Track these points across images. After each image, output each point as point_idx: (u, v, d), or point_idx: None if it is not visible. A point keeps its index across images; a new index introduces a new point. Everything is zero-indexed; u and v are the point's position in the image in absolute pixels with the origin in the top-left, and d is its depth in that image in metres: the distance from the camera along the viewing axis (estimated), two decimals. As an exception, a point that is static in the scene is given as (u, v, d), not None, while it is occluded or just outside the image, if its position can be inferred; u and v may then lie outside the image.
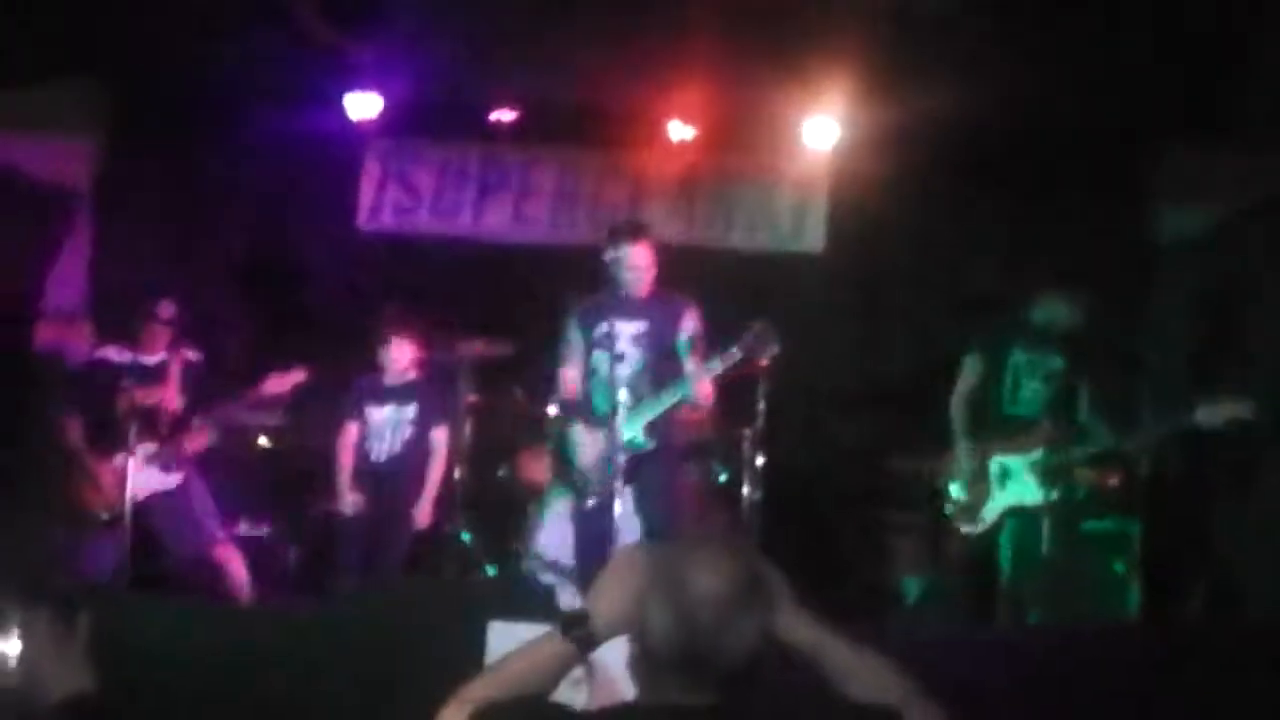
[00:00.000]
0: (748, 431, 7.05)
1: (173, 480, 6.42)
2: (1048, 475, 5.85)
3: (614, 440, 5.46)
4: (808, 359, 7.25)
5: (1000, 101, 7.16)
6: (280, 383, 6.50)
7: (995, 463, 5.97)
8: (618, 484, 5.38)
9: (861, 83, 7.34)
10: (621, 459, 5.39)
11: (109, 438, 6.25)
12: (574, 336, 5.89)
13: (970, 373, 6.13)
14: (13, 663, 2.11)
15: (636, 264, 5.74)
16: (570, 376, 5.88)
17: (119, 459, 6.18)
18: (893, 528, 7.14)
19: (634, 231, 5.86)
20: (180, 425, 6.46)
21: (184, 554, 6.38)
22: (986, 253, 7.96)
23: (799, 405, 7.91)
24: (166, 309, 6.53)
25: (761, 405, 6.97)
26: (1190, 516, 7.05)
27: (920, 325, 7.54)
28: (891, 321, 8.01)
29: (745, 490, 7.11)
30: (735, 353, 5.45)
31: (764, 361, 5.63)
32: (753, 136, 8.24)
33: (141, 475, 6.26)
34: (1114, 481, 7.03)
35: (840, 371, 8.31)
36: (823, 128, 8.02)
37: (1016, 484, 5.93)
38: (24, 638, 2.13)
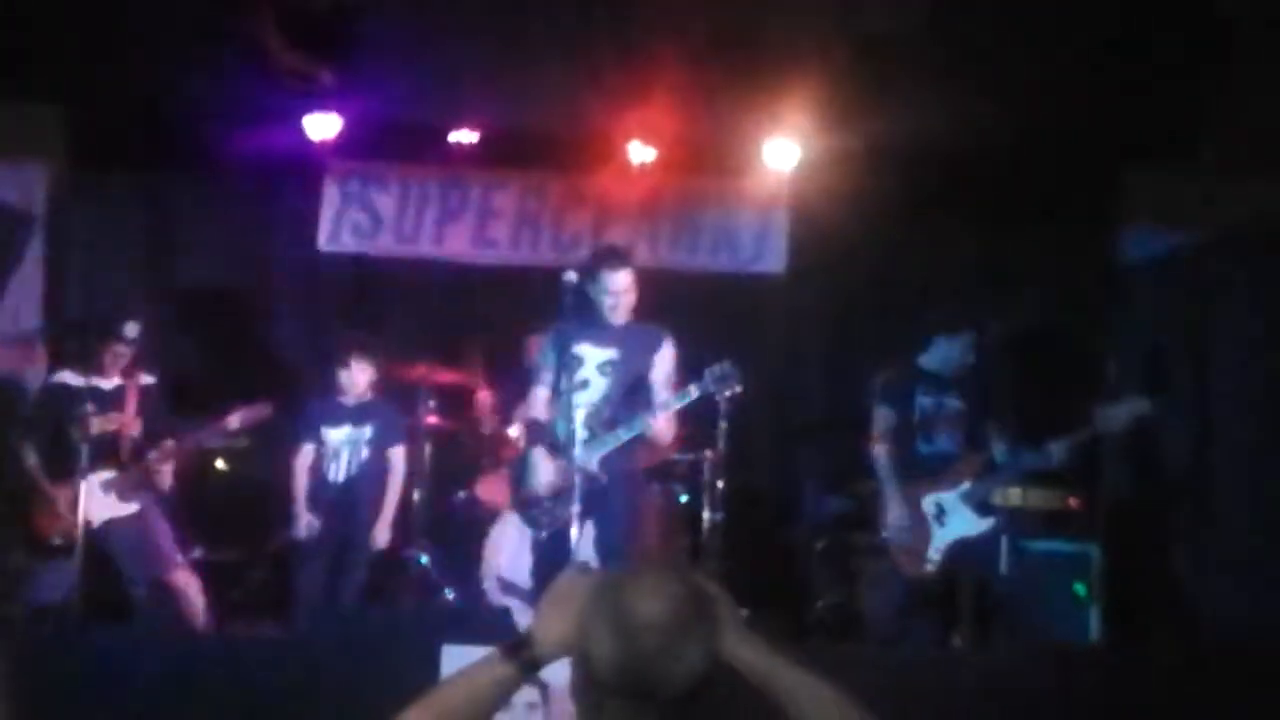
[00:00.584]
0: (709, 454, 7.03)
1: (130, 508, 6.37)
2: (983, 505, 6.02)
3: (570, 468, 5.44)
4: (771, 381, 7.55)
5: (961, 124, 7.15)
6: (245, 417, 6.47)
7: (929, 501, 6.04)
8: (575, 509, 5.35)
9: (822, 105, 7.34)
10: (578, 485, 5.36)
11: (65, 463, 6.19)
12: (546, 357, 5.81)
13: (882, 422, 6.20)
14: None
15: (617, 290, 5.67)
16: (539, 397, 5.81)
17: (74, 484, 6.10)
18: (856, 550, 7.10)
19: (617, 257, 5.83)
20: (139, 452, 6.42)
21: (140, 579, 6.32)
22: (949, 274, 7.99)
23: (762, 428, 7.92)
24: (127, 332, 6.47)
25: (723, 427, 6.87)
26: (1150, 539, 7.12)
27: (884, 346, 7.40)
28: (855, 342, 7.95)
29: (706, 513, 7.09)
30: (693, 392, 5.47)
31: (727, 395, 5.60)
32: (714, 158, 8.25)
33: (98, 501, 6.21)
34: (1073, 503, 7.08)
35: (803, 393, 8.33)
36: (783, 149, 8.02)
37: (955, 518, 6.02)
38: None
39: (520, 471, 5.76)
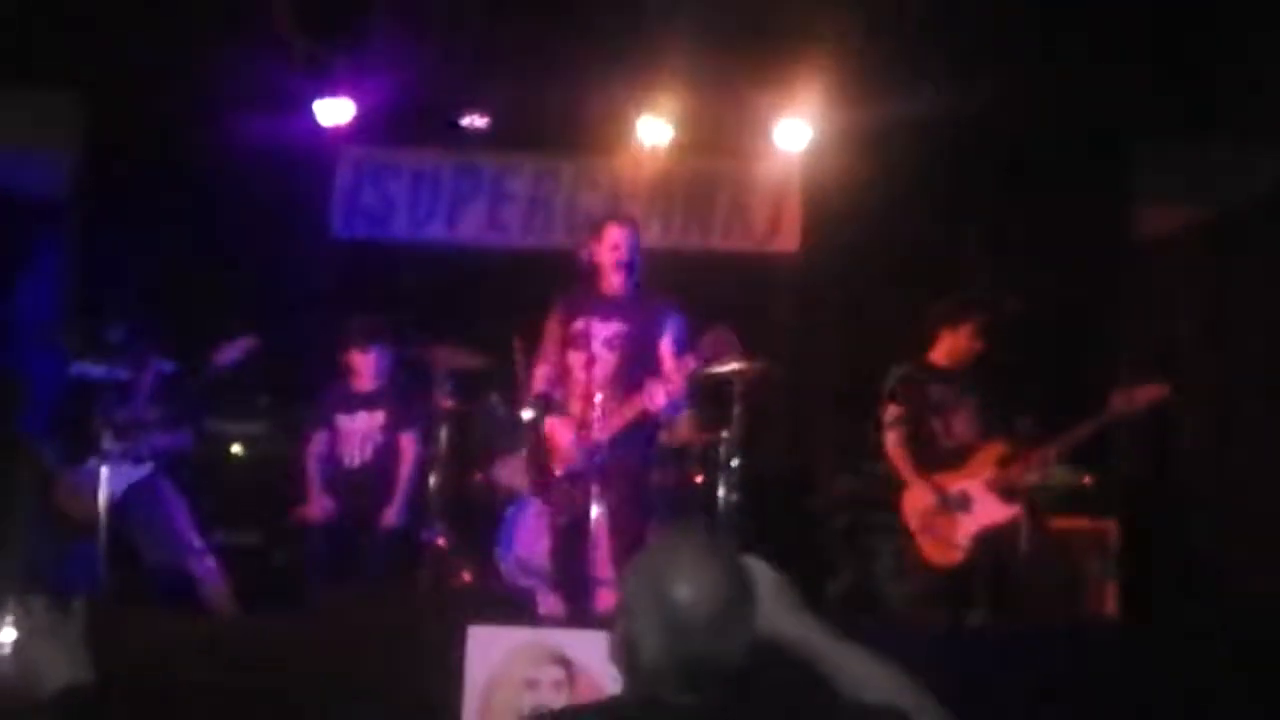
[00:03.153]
0: (724, 434, 6.94)
1: (142, 470, 6.42)
2: (1007, 491, 6.01)
3: (588, 440, 5.45)
4: (787, 359, 7.37)
5: (974, 100, 7.18)
6: (230, 351, 6.44)
7: (955, 490, 6.08)
8: (594, 487, 5.39)
9: (834, 84, 7.39)
10: (597, 460, 5.38)
11: (83, 449, 6.29)
12: (551, 332, 5.81)
13: (896, 420, 6.25)
14: (7, 650, 2.10)
15: (616, 243, 5.64)
16: (542, 373, 5.80)
17: (91, 464, 6.21)
18: (875, 529, 7.09)
19: (614, 214, 5.90)
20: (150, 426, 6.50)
21: (161, 563, 6.39)
22: (962, 251, 8.02)
23: (777, 407, 7.88)
24: (141, 323, 6.58)
25: (738, 407, 6.83)
26: (1167, 515, 7.18)
27: (899, 324, 7.38)
28: (870, 320, 7.93)
29: (721, 493, 6.99)
30: (689, 361, 5.43)
31: (733, 366, 5.66)
32: (727, 139, 8.28)
33: (113, 474, 6.26)
34: (1088, 480, 7.09)
35: (820, 371, 8.31)
36: (795, 129, 8.02)
37: (982, 506, 6.05)
38: (18, 626, 2.12)
39: (534, 452, 5.78)
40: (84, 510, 6.25)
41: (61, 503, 6.33)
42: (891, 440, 6.24)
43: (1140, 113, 7.48)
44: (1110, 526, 6.88)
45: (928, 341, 6.40)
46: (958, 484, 6.10)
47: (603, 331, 5.67)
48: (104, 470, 6.13)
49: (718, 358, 5.47)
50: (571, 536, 5.52)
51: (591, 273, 5.76)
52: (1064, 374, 6.98)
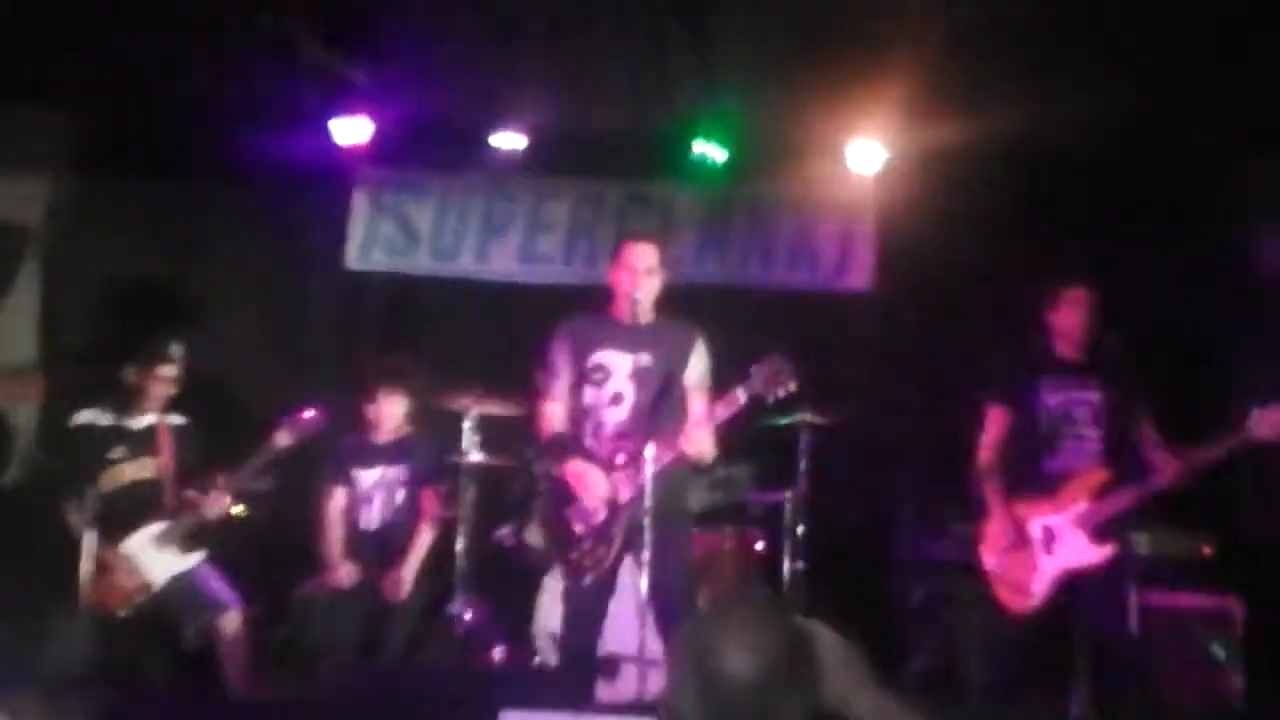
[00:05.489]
0: (789, 493, 7.03)
1: (194, 559, 6.44)
2: (1100, 530, 5.79)
3: (614, 493, 5.31)
4: (857, 410, 7.34)
5: (1066, 119, 7.15)
6: (294, 428, 6.39)
7: (1036, 525, 5.90)
8: (615, 547, 5.27)
9: (910, 101, 7.34)
10: (623, 520, 5.25)
11: (109, 519, 6.18)
12: (559, 364, 5.60)
13: (994, 426, 6.10)
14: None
15: (634, 265, 5.49)
16: (551, 413, 5.59)
17: (128, 544, 6.26)
18: (958, 601, 7.04)
19: (633, 232, 5.78)
20: (185, 498, 6.43)
21: (193, 628, 6.37)
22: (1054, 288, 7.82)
23: (847, 462, 7.78)
24: (172, 353, 6.53)
25: (804, 464, 6.95)
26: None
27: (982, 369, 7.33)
28: (950, 365, 7.74)
29: (786, 561, 7.08)
30: (739, 395, 5.26)
31: (779, 394, 5.35)
32: (792, 161, 8.23)
33: (155, 560, 6.32)
34: (1207, 550, 6.97)
35: (895, 423, 8.09)
36: (868, 150, 8.00)
37: (1065, 545, 5.84)
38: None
39: (550, 505, 5.58)
40: (127, 600, 6.25)
41: (102, 593, 6.20)
42: (984, 455, 6.08)
43: (1251, 127, 7.42)
44: (1234, 603, 6.71)
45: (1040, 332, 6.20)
46: (1043, 517, 5.92)
47: (627, 364, 5.50)
48: (141, 552, 6.22)
49: (771, 391, 5.28)
50: (586, 604, 5.40)
51: (607, 299, 5.63)
52: (1176, 414, 6.79)
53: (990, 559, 6.00)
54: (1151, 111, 7.21)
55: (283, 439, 6.37)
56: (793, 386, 5.26)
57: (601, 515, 5.32)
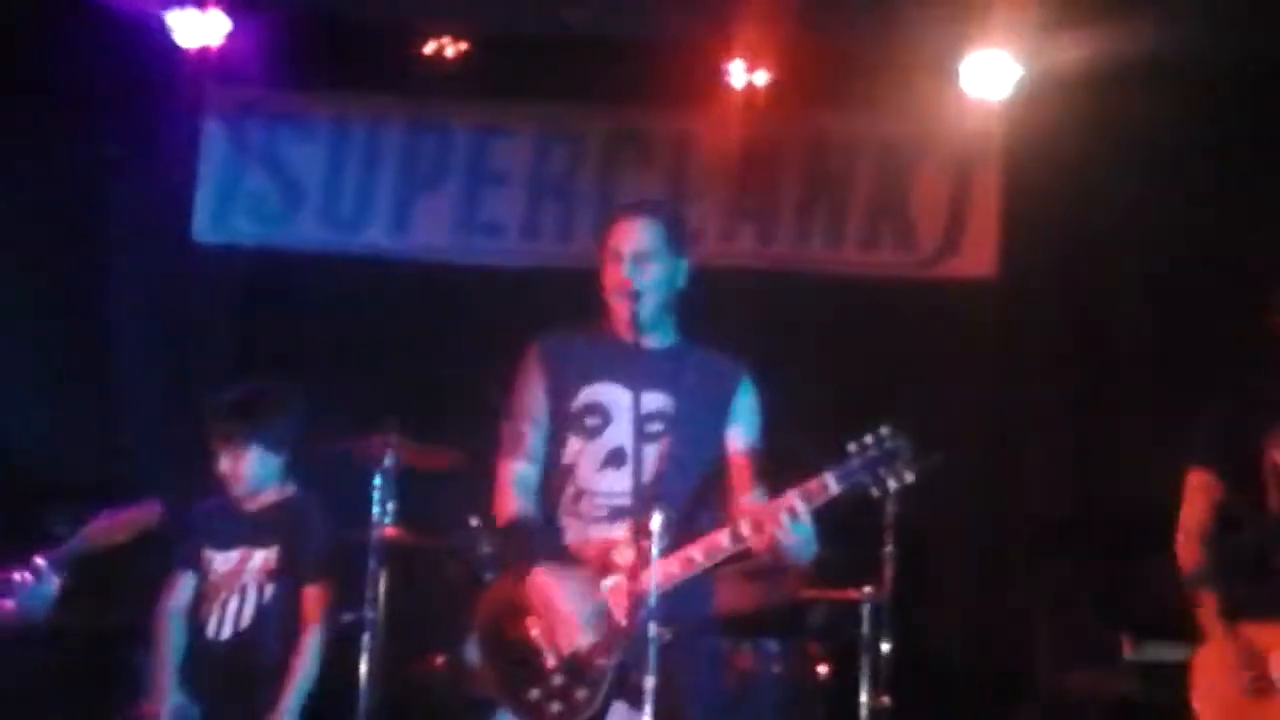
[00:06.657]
0: (868, 590, 6.40)
1: None
2: None
3: (607, 623, 4.40)
4: (977, 458, 7.12)
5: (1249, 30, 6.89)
6: (120, 522, 5.20)
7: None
8: (605, 689, 4.28)
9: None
10: (617, 650, 4.34)
11: None
12: (528, 403, 4.73)
13: (1200, 495, 5.33)
14: None
15: (621, 248, 4.60)
16: (513, 479, 4.67)
17: None
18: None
19: (633, 205, 4.82)
20: None
21: None
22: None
23: (953, 545, 7.40)
24: None
25: (890, 548, 6.24)
26: None
27: (1163, 395, 6.81)
28: (1114, 386, 7.33)
29: (864, 695, 6.38)
30: (831, 486, 4.30)
31: (892, 488, 4.37)
32: (868, 85, 7.39)
33: None
34: None
35: (1027, 484, 7.57)
36: (992, 67, 7.24)
37: None
38: None
39: (499, 628, 4.59)
40: None
41: None
42: (1185, 534, 5.34)
43: None
44: None
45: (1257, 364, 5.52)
46: None
47: (632, 407, 4.57)
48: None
49: (881, 483, 4.30)
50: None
51: (598, 300, 4.72)
52: None
53: (1207, 708, 5.13)
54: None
55: (101, 530, 5.24)
56: (911, 478, 4.32)
57: (583, 645, 4.44)
